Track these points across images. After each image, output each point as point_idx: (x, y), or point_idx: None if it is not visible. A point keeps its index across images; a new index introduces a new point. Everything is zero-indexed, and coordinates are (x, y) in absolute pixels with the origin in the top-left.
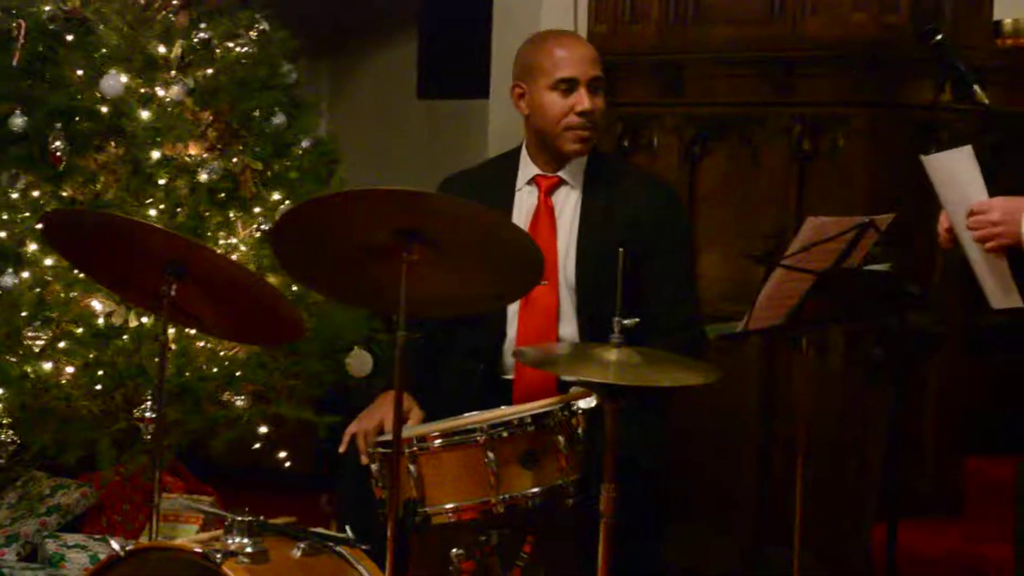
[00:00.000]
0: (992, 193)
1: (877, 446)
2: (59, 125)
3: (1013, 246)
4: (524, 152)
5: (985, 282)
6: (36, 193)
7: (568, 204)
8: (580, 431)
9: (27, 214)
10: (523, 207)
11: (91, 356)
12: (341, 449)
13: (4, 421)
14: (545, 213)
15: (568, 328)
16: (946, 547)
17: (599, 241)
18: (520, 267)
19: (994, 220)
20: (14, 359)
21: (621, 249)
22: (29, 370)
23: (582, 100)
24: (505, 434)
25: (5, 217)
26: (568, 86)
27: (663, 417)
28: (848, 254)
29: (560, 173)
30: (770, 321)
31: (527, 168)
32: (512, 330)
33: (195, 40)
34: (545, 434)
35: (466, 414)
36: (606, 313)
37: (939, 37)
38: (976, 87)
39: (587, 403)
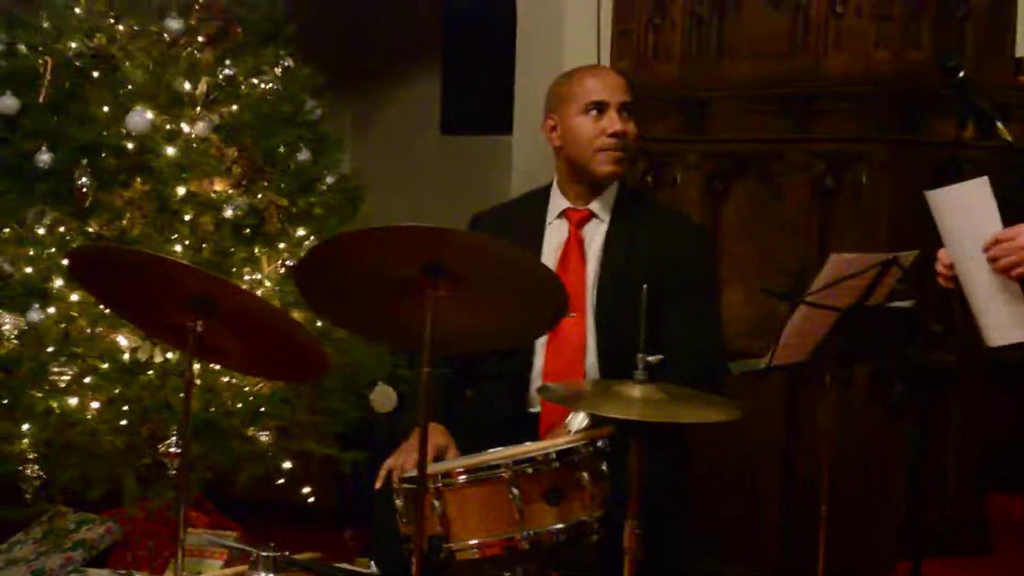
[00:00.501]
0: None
1: (900, 483)
2: (85, 161)
3: None
4: (555, 186)
5: (991, 316)
6: (62, 229)
7: (597, 237)
8: (604, 467)
9: (53, 250)
10: (553, 241)
11: (116, 391)
12: (377, 485)
13: (30, 456)
14: (575, 246)
15: (594, 361)
16: None
17: (623, 275)
18: (544, 302)
19: (1020, 247)
20: (40, 394)
21: (645, 286)
22: (54, 405)
23: (614, 122)
24: (530, 470)
25: (31, 253)
26: (599, 110)
27: (684, 453)
28: (872, 291)
29: (590, 206)
30: (794, 357)
31: (557, 202)
32: (539, 361)
33: (220, 77)
34: (570, 470)
35: (491, 449)
36: (625, 346)
37: (961, 73)
38: (998, 124)
39: (579, 422)
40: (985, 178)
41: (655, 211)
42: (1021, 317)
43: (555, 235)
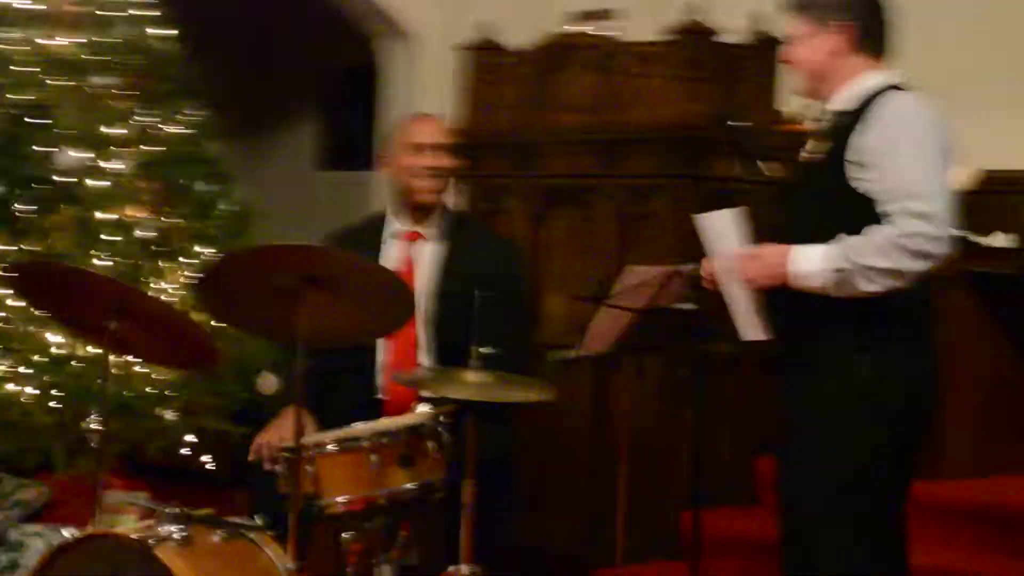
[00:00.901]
0: None
1: (686, 448)
2: (21, 192)
3: (776, 284)
4: (390, 211)
5: (740, 318)
6: (1, 247)
7: (426, 254)
8: (447, 438)
9: None
10: (390, 256)
11: (47, 379)
12: (250, 458)
13: None
14: (407, 261)
15: (425, 356)
16: (741, 529)
17: (451, 285)
18: (396, 306)
19: (765, 263)
20: None
21: (478, 292)
22: None
23: (428, 158)
24: (386, 440)
25: None
26: (418, 149)
27: (511, 425)
28: (660, 295)
29: (419, 228)
30: (598, 349)
31: (393, 224)
32: (380, 356)
33: (137, 122)
34: (418, 440)
35: (353, 424)
36: (455, 343)
37: (733, 123)
38: (760, 163)
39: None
40: (738, 208)
41: (479, 233)
42: (755, 322)
43: (391, 252)
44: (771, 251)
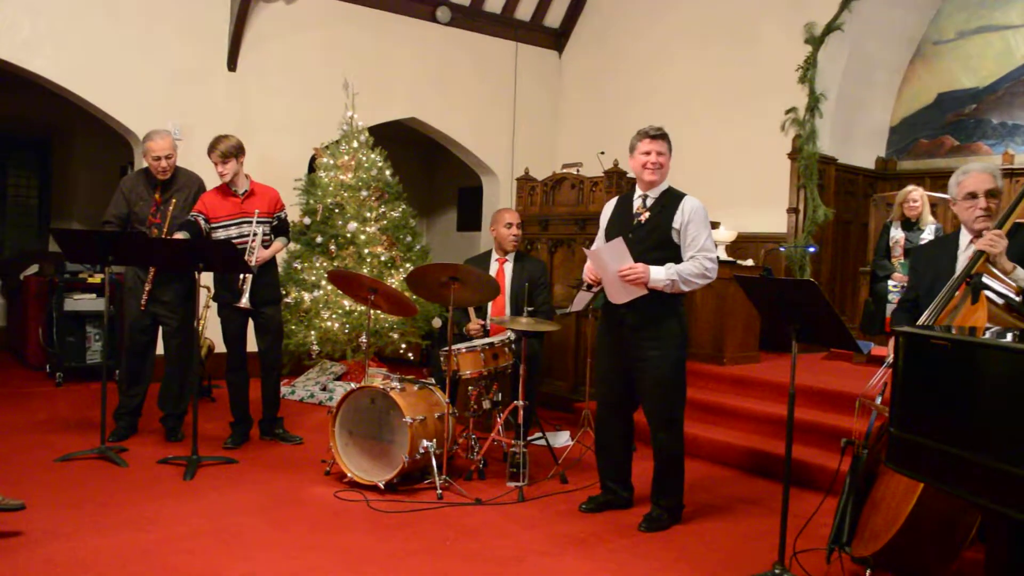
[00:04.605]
0: None
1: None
2: (332, 240)
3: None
4: (494, 250)
5: (616, 299)
6: (326, 264)
7: (509, 267)
8: (513, 347)
9: None
10: (494, 267)
11: (344, 320)
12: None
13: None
14: (501, 270)
15: (507, 311)
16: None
17: (518, 280)
18: (490, 289)
19: (640, 271)
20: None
21: (527, 283)
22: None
23: (512, 229)
24: (488, 347)
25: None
26: (508, 224)
27: (540, 340)
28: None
29: (507, 257)
30: (577, 310)
31: (495, 255)
32: (489, 309)
33: (378, 212)
34: (501, 347)
35: (474, 340)
36: (519, 305)
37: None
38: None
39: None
40: (621, 238)
41: (528, 258)
42: (620, 296)
43: (495, 266)
44: (642, 265)
